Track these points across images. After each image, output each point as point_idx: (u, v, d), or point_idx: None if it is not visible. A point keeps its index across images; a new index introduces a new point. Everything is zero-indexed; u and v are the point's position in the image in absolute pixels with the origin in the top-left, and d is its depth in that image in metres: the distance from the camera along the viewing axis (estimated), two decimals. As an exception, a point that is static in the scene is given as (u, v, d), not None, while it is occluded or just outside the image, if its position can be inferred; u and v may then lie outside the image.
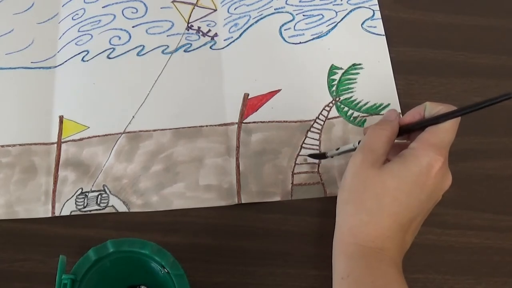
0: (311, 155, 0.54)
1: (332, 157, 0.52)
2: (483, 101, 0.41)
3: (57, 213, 0.52)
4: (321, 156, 0.53)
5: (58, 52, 0.60)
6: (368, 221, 0.42)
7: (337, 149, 0.50)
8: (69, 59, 0.59)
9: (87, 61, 0.59)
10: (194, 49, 0.60)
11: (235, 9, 0.62)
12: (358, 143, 0.46)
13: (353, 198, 0.43)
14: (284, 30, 0.60)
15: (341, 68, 0.58)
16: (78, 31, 0.61)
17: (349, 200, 0.43)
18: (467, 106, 0.42)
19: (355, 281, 0.41)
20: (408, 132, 0.45)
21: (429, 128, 0.43)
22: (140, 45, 0.60)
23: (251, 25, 0.61)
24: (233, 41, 0.60)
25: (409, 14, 0.62)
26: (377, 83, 0.58)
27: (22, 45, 0.60)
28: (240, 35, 0.60)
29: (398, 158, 0.43)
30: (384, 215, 0.42)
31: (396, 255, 0.42)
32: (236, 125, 0.56)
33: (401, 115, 0.53)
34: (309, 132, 0.55)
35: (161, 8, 0.62)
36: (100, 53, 0.59)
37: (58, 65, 0.59)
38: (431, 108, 0.44)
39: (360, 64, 0.59)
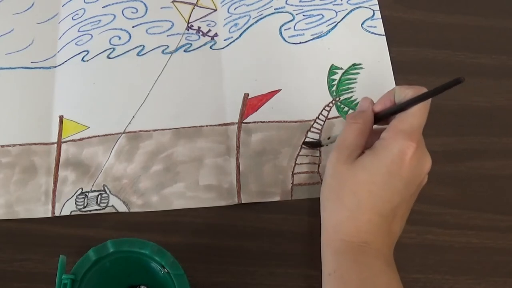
0: (306, 143, 0.54)
1: (326, 145, 0.53)
2: (439, 87, 0.40)
3: (57, 213, 0.52)
4: (316, 144, 0.54)
5: (58, 52, 0.60)
6: (348, 216, 0.42)
7: (329, 138, 0.51)
8: (69, 59, 0.59)
9: (87, 61, 0.59)
10: (194, 49, 0.60)
11: (235, 9, 0.62)
12: None
13: (332, 195, 0.44)
14: (284, 30, 0.60)
15: (341, 68, 0.58)
16: (78, 31, 0.61)
17: (329, 198, 0.44)
18: (425, 93, 0.41)
19: (341, 275, 0.41)
20: (381, 119, 0.45)
21: (398, 115, 0.43)
22: (140, 45, 0.60)
23: (251, 25, 0.61)
24: (233, 41, 0.60)
25: (409, 14, 0.62)
26: (377, 83, 0.58)
27: (22, 45, 0.60)
28: (240, 35, 0.60)
29: (370, 150, 0.43)
30: (362, 209, 0.42)
31: (383, 247, 0.42)
32: (236, 125, 0.56)
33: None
34: (309, 132, 0.55)
35: (161, 8, 0.62)
36: (100, 53, 0.59)
37: (58, 65, 0.59)
38: (400, 93, 0.43)
39: (360, 64, 0.59)
